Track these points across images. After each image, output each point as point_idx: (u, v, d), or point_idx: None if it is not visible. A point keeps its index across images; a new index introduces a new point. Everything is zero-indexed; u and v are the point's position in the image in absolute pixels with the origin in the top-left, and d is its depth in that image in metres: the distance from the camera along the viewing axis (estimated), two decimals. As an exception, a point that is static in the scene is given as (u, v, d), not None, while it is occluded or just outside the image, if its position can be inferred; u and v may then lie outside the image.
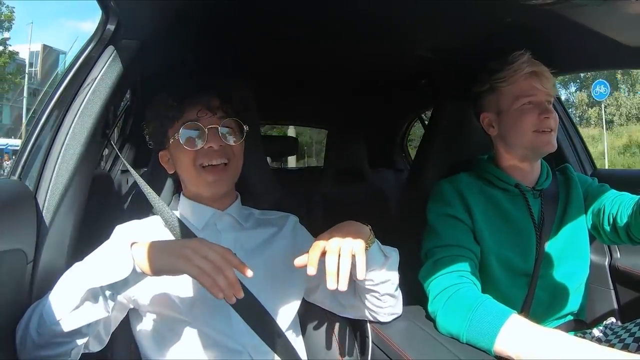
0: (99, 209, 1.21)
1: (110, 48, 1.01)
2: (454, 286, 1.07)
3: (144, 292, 0.95)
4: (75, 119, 0.97)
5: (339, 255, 0.86)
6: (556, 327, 1.20)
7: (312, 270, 0.86)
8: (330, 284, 0.84)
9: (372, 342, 1.12)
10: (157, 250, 0.81)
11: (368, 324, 1.13)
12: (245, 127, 1.07)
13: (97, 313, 0.80)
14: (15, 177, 0.96)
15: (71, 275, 0.81)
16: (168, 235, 1.00)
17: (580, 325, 1.26)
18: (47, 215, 0.92)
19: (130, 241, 0.82)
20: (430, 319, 1.10)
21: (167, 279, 0.83)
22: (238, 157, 1.06)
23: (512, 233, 1.21)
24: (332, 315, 1.17)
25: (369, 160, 2.31)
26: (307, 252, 0.89)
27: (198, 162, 1.01)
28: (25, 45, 24.70)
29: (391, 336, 1.06)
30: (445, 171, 1.38)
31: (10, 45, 21.64)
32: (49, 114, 1.01)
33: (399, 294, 1.10)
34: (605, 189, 1.31)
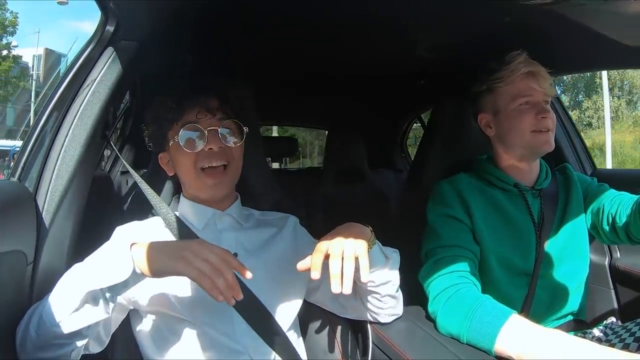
0: (99, 210, 1.21)
1: (110, 49, 1.01)
2: (453, 286, 1.07)
3: (144, 293, 0.95)
4: (75, 120, 0.97)
5: (342, 259, 0.86)
6: (556, 327, 1.20)
7: (315, 275, 0.85)
8: (335, 288, 0.84)
9: (373, 342, 1.12)
10: (156, 252, 0.81)
11: (368, 325, 1.13)
12: (245, 129, 1.07)
13: (97, 315, 0.80)
14: (15, 179, 0.96)
15: (71, 277, 0.81)
16: (168, 236, 1.00)
17: (580, 325, 1.26)
18: (46, 217, 0.92)
19: (130, 242, 0.82)
20: (431, 319, 1.10)
21: (168, 279, 0.83)
22: (237, 160, 1.06)
23: (511, 233, 1.21)
24: (332, 316, 1.17)
25: (369, 160, 2.31)
26: (310, 254, 0.89)
27: (198, 165, 1.01)
28: (27, 49, 25.31)
29: (392, 337, 1.06)
30: (445, 171, 1.38)
31: (14, 49, 22.45)
32: (49, 115, 1.01)
33: (399, 294, 1.10)
34: (605, 188, 1.31)
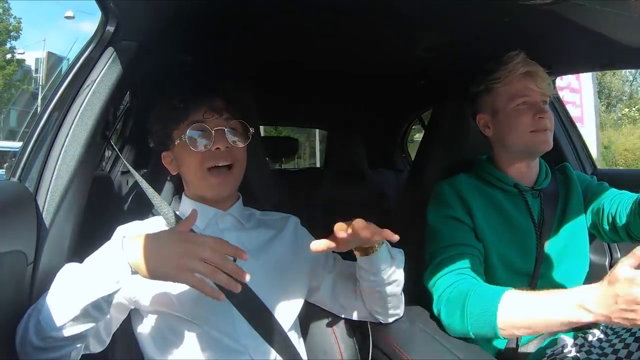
0: (99, 211, 1.21)
1: (110, 49, 1.01)
2: (450, 286, 1.08)
3: (145, 292, 0.95)
4: (75, 120, 0.97)
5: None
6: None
7: (342, 234, 0.86)
8: (340, 233, 0.86)
9: (373, 342, 1.12)
10: (153, 259, 0.78)
11: (368, 325, 1.13)
12: (252, 130, 1.07)
13: (95, 319, 0.79)
14: (15, 179, 0.96)
15: (67, 284, 0.78)
16: None
17: (581, 325, 1.25)
18: (47, 217, 0.92)
19: (121, 242, 0.79)
20: (431, 319, 1.11)
21: None
22: (242, 161, 1.07)
23: (512, 232, 1.21)
24: (333, 316, 1.17)
25: (369, 160, 2.31)
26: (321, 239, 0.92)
27: (205, 165, 1.01)
28: (30, 52, 25.94)
29: (391, 337, 1.06)
30: (445, 171, 1.37)
31: (17, 54, 23.10)
32: (49, 116, 1.01)
33: (402, 295, 1.11)
34: (604, 187, 1.31)
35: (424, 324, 1.12)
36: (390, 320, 1.13)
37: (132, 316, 1.02)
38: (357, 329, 1.17)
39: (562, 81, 8.95)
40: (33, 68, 27.40)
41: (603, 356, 1.01)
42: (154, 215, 1.10)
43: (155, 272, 0.78)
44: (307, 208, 1.95)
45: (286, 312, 1.05)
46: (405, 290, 1.11)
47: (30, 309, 0.82)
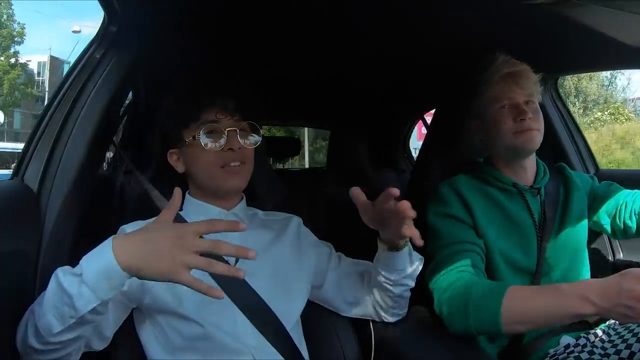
0: (101, 211, 1.21)
1: (113, 50, 1.01)
2: (452, 284, 1.07)
3: (147, 292, 0.95)
4: (78, 120, 0.98)
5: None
6: (558, 327, 1.19)
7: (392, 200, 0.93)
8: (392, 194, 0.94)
9: (375, 342, 1.12)
10: (143, 259, 0.75)
11: (371, 324, 1.13)
12: (262, 130, 1.08)
13: (92, 321, 0.78)
14: (18, 179, 0.97)
15: (59, 296, 0.75)
16: None
17: (582, 325, 1.25)
18: (49, 217, 0.92)
19: (111, 245, 0.75)
20: (432, 319, 1.10)
21: None
22: (250, 161, 1.07)
23: (513, 231, 1.21)
24: (335, 315, 1.17)
25: (372, 160, 2.31)
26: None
27: (218, 164, 1.02)
28: (33, 56, 26.73)
29: (393, 336, 1.07)
30: (448, 171, 1.37)
31: (21, 58, 23.80)
32: (52, 116, 1.01)
33: (408, 295, 1.12)
34: (616, 187, 1.31)
35: (426, 324, 1.12)
36: (395, 319, 1.13)
37: (135, 315, 1.02)
38: (359, 329, 1.17)
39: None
40: (36, 72, 28.12)
41: (605, 356, 1.01)
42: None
43: (149, 274, 0.75)
44: (310, 208, 1.95)
45: (289, 312, 1.05)
46: (407, 289, 1.11)
47: (28, 311, 0.81)
